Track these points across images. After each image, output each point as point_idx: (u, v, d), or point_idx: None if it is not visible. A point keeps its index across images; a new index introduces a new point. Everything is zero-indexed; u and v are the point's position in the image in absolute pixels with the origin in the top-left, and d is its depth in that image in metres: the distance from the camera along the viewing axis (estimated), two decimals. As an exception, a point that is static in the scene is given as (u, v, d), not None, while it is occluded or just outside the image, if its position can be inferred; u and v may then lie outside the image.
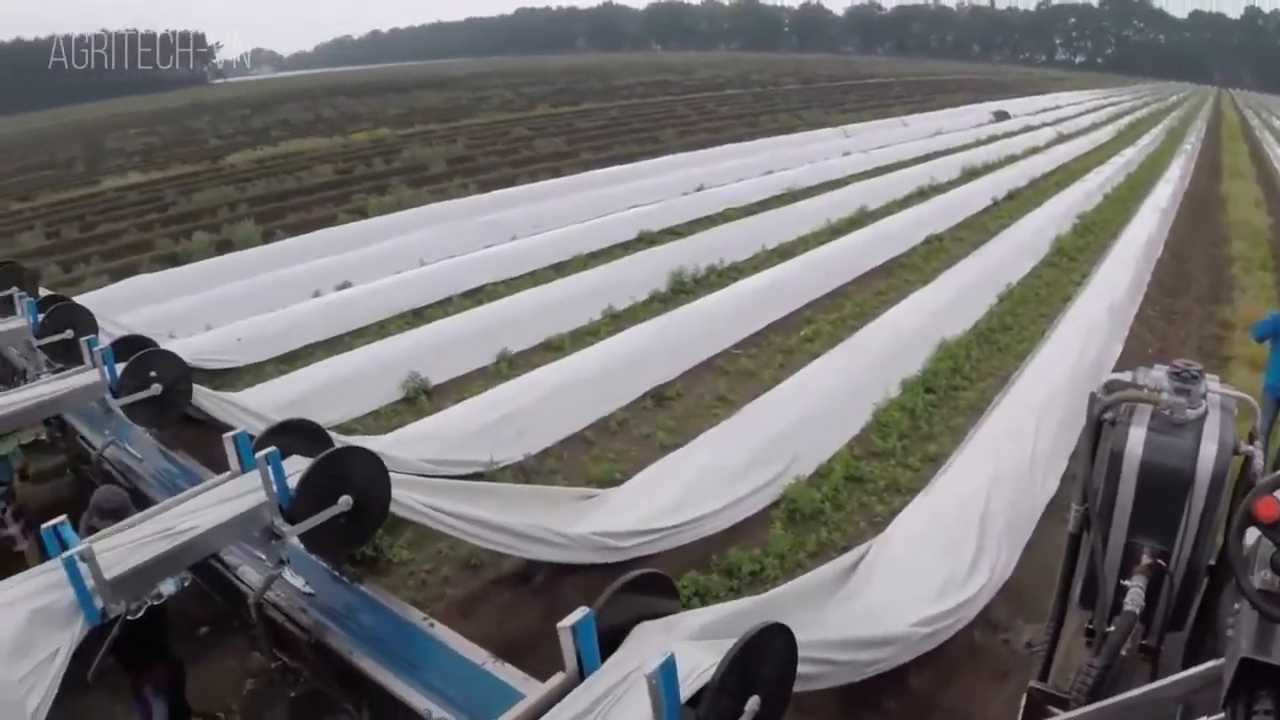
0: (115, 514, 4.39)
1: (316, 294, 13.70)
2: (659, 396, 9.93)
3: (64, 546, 3.90)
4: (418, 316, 12.75)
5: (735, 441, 8.03)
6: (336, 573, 4.71)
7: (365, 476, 4.41)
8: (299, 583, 4.72)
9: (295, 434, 4.70)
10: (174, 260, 17.33)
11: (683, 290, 13.54)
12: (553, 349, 11.39)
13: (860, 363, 10.12)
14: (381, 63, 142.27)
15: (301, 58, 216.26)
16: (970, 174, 24.56)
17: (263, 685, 5.94)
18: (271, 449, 4.21)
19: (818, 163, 25.20)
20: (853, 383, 9.53)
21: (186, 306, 12.68)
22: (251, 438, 4.64)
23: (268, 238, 18.45)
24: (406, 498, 4.73)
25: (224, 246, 17.83)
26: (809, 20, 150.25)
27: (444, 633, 4.30)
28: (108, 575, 3.80)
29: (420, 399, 10.02)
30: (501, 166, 25.67)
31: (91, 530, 4.29)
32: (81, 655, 3.80)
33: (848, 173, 23.85)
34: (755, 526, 7.18)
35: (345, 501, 4.29)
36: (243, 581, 4.89)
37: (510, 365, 10.90)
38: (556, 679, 3.36)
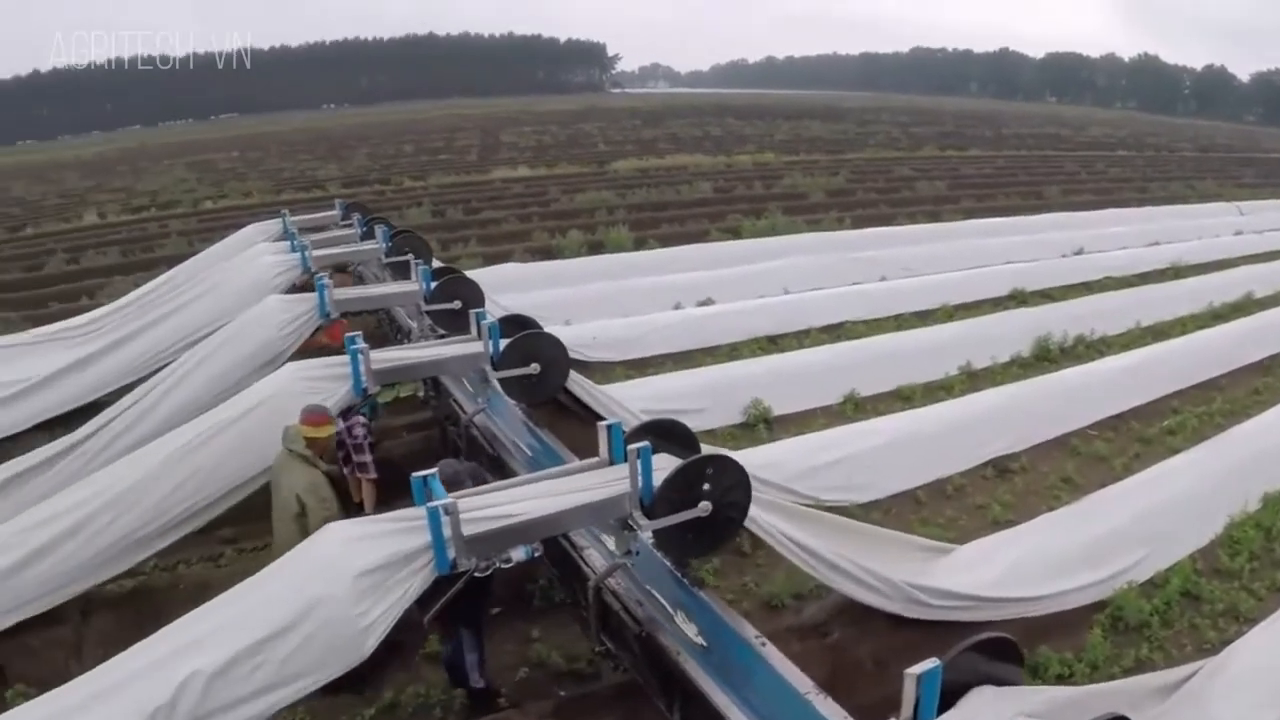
0: (447, 484, 4.61)
1: (677, 306, 14.11)
2: (1002, 467, 9.38)
3: (429, 497, 4.17)
4: (771, 344, 12.78)
5: (1072, 530, 7.41)
6: (679, 574, 4.75)
7: (728, 487, 4.44)
8: (641, 576, 4.83)
9: (664, 434, 4.84)
10: (546, 254, 18.46)
11: (1046, 357, 12.75)
12: (902, 398, 11.10)
13: (1220, 466, 8.97)
14: (774, 88, 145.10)
15: (697, 76, 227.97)
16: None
17: (537, 675, 6.30)
18: (644, 443, 4.35)
19: (1206, 239, 22.88)
20: (1209, 487, 8.46)
21: (550, 298, 13.28)
22: (623, 430, 4.77)
23: (639, 245, 19.20)
24: (761, 517, 4.73)
25: (595, 247, 18.86)
26: (1211, 83, 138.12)
27: (773, 654, 4.22)
28: (466, 531, 4.07)
29: (759, 426, 10.05)
30: (880, 204, 25.37)
31: None
32: (419, 601, 4.12)
33: (1238, 253, 21.40)
34: (1073, 625, 6.57)
35: (704, 507, 4.36)
36: (587, 564, 5.06)
37: (856, 407, 10.73)
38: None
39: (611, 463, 4.69)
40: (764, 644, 4.29)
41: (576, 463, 5.02)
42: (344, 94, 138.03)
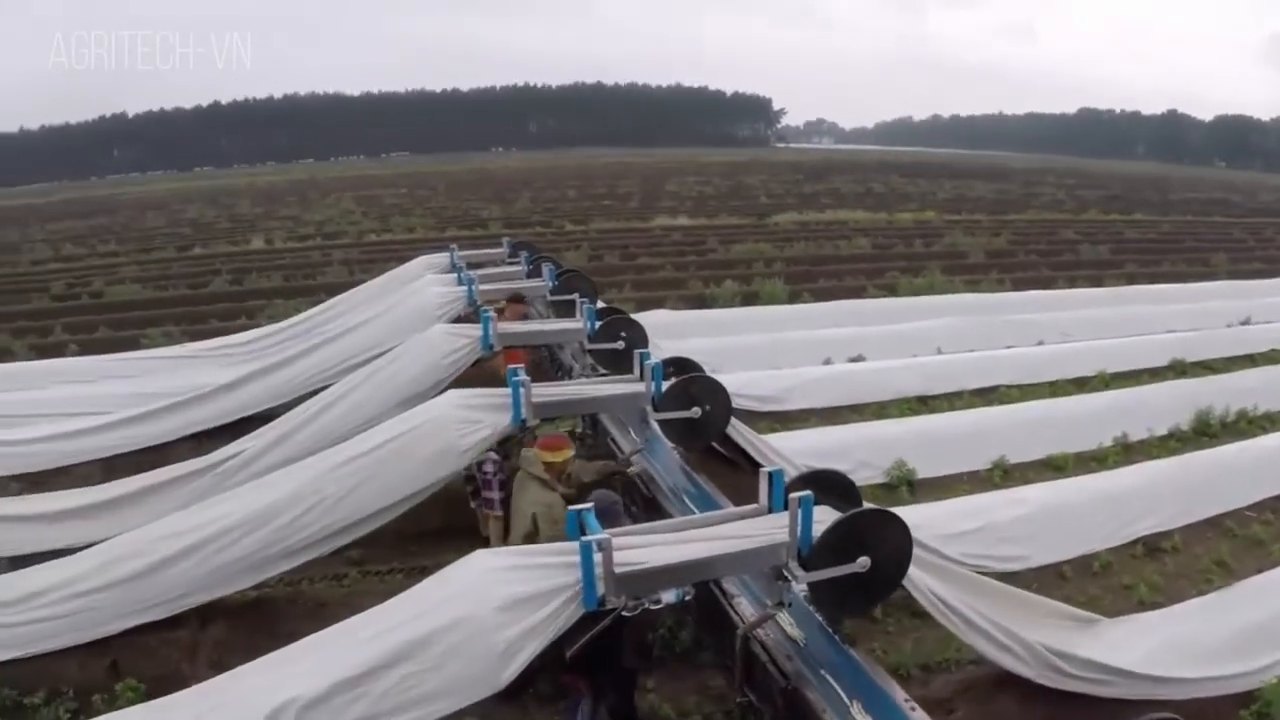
0: (603, 514, 4.65)
1: (827, 361, 14.03)
2: (1152, 546, 8.92)
3: (583, 531, 4.27)
4: (921, 404, 12.59)
5: (1221, 616, 7.01)
6: (831, 630, 4.68)
7: (889, 544, 4.36)
8: (791, 629, 4.79)
9: (824, 485, 4.76)
10: (699, 302, 18.66)
11: (1206, 432, 12.12)
12: (1053, 467, 10.71)
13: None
14: (937, 147, 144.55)
15: (861, 132, 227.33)
16: None
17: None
18: (806, 493, 4.33)
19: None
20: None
21: (699, 347, 13.01)
22: (784, 478, 4.76)
23: (793, 298, 19.28)
24: (919, 576, 4.64)
25: (749, 298, 19.05)
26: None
27: (920, 718, 4.15)
28: (617, 569, 4.07)
29: (901, 489, 9.87)
30: (1041, 266, 24.86)
31: None
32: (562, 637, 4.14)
33: None
34: (1217, 716, 6.18)
35: (863, 563, 4.27)
36: (735, 611, 5.05)
37: (1004, 475, 10.43)
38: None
39: (770, 510, 4.67)
40: (914, 709, 4.20)
41: (734, 509, 5.02)
42: (512, 138, 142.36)
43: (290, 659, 4.35)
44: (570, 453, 6.45)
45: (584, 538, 4.13)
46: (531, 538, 5.78)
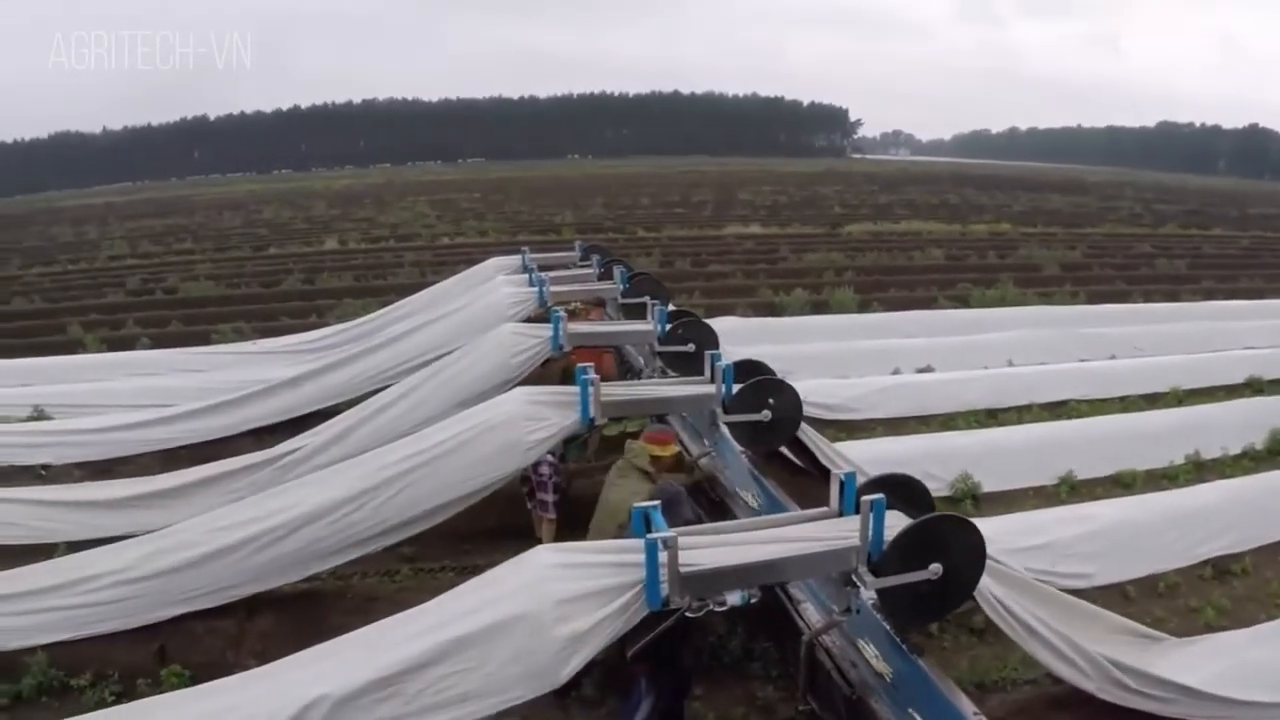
0: (668, 504, 4.63)
1: (896, 371, 13.88)
2: (1222, 568, 8.58)
3: (648, 528, 4.15)
4: (990, 417, 12.35)
5: None
6: (899, 639, 4.53)
7: (962, 551, 4.25)
8: (859, 639, 4.74)
9: (896, 489, 4.65)
10: (769, 310, 18.57)
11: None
12: (1122, 484, 10.40)
13: None
14: (1015, 159, 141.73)
15: (938, 144, 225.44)
16: None
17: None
18: (878, 496, 4.26)
19: None
20: None
21: (767, 353, 12.60)
22: (856, 482, 4.68)
23: (863, 307, 19.09)
24: (991, 587, 4.51)
25: (819, 307, 18.91)
26: None
27: None
28: (683, 569, 3.99)
29: (965, 503, 9.66)
30: (1116, 280, 24.24)
31: None
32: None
33: None
34: None
35: (934, 570, 4.17)
36: (802, 617, 5.04)
37: (1071, 490, 10.17)
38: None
39: (841, 514, 4.60)
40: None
41: (803, 511, 4.95)
42: (588, 146, 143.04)
43: (332, 653, 4.37)
44: (677, 448, 6.48)
45: (649, 535, 4.04)
46: (624, 531, 5.71)
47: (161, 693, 5.38)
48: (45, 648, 6.25)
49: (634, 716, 5.41)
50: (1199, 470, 10.94)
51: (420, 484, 6.56)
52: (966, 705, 4.17)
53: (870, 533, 4.24)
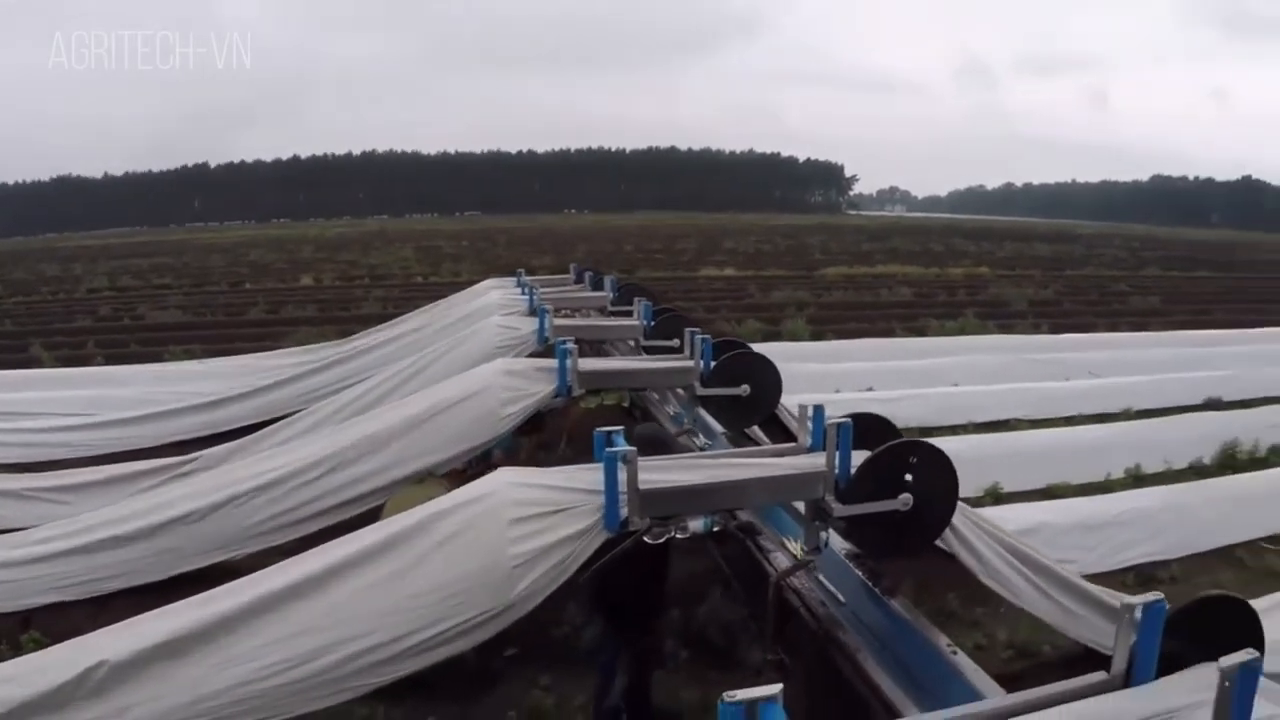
0: (650, 441, 4.47)
1: (836, 391, 13.01)
2: (1146, 575, 7.92)
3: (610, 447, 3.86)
4: (924, 434, 11.62)
5: None
6: (870, 583, 4.27)
7: (933, 483, 3.97)
8: (830, 583, 4.48)
9: (865, 426, 4.28)
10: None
11: (1232, 466, 10.76)
12: (1052, 496, 9.52)
13: None
14: (1010, 215, 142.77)
15: (934, 200, 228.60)
16: None
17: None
18: (845, 420, 4.03)
19: None
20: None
21: None
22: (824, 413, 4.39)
23: (816, 337, 18.85)
24: (966, 524, 4.11)
25: (771, 336, 18.43)
26: None
27: (964, 662, 3.71)
28: (643, 486, 3.72)
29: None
30: (1085, 314, 23.90)
31: None
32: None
33: None
34: None
35: (904, 500, 3.90)
36: (769, 564, 4.74)
37: (995, 502, 9.32)
38: (1093, 677, 2.94)
39: (810, 449, 4.36)
40: (955, 652, 3.79)
41: (771, 445, 4.79)
42: (584, 200, 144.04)
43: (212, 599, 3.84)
44: None
45: (608, 450, 3.73)
46: None
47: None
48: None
49: (607, 696, 5.10)
50: (1138, 484, 10.17)
51: (407, 456, 6.19)
52: (940, 638, 3.89)
53: (838, 459, 4.01)
